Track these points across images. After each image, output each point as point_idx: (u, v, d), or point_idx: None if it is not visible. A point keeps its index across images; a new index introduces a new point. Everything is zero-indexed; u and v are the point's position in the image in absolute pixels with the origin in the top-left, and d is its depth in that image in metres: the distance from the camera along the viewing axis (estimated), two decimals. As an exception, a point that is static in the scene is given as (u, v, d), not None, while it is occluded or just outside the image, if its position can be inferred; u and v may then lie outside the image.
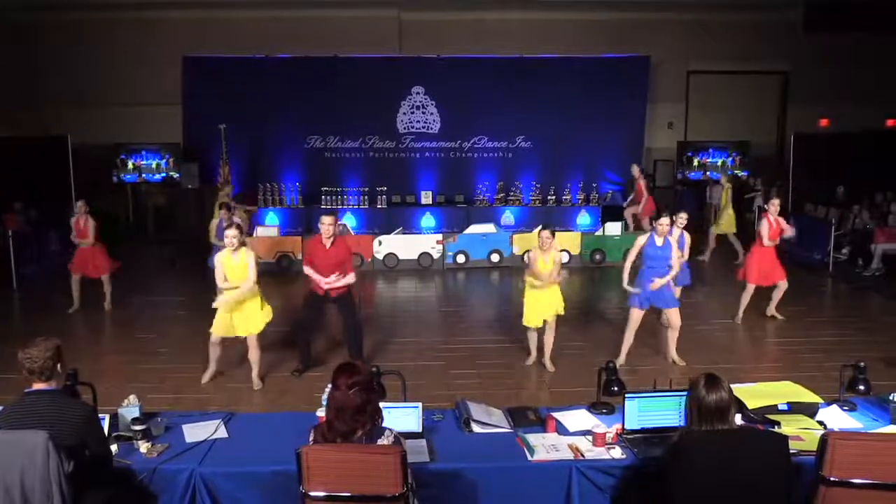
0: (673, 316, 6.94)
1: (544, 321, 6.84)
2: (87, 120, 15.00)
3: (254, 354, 6.54)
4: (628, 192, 15.00)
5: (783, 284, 8.44)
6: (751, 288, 8.40)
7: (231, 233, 6.35)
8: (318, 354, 7.17)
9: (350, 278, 6.68)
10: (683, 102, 16.71)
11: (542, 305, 6.78)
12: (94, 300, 9.63)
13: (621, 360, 6.87)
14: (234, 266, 6.34)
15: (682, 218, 7.84)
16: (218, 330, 6.43)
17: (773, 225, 8.40)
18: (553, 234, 6.70)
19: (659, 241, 6.68)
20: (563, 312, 6.91)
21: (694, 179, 16.16)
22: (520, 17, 15.60)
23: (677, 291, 7.44)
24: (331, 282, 6.58)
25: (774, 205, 8.53)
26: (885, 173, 13.93)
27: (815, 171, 14.70)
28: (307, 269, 6.74)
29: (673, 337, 7.09)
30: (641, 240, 6.85)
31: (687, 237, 7.93)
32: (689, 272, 8.30)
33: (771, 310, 8.62)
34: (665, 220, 6.70)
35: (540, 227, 6.84)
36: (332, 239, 6.61)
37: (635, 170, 13.20)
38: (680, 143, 16.39)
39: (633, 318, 6.94)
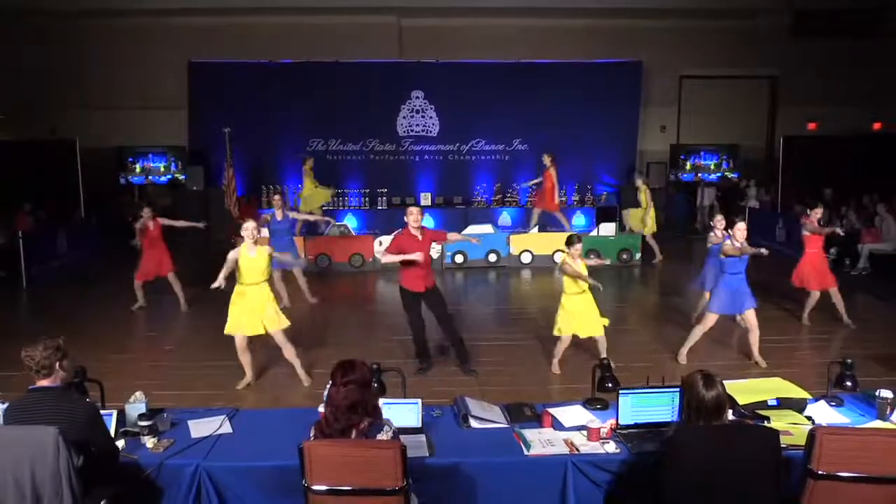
0: (750, 317, 6.74)
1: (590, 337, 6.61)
2: (95, 123, 15.02)
3: (289, 352, 6.36)
4: (623, 195, 15.02)
5: (815, 295, 8.14)
6: (815, 295, 8.14)
7: (250, 225, 6.13)
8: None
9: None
10: (676, 106, 16.74)
11: (580, 318, 6.49)
12: (103, 300, 9.64)
13: (682, 357, 6.92)
14: (251, 262, 6.12)
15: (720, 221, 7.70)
16: (248, 329, 6.18)
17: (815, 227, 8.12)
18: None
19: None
20: (606, 323, 6.62)
21: (686, 181, 16.19)
22: (517, 24, 15.61)
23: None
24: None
25: (817, 212, 8.17)
26: (872, 175, 13.95)
27: (804, 172, 14.74)
28: (388, 257, 6.53)
29: (754, 338, 6.84)
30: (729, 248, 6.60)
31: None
32: None
33: (805, 318, 8.32)
34: (742, 225, 6.55)
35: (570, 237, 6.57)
36: (420, 230, 6.52)
37: (546, 159, 12.43)
38: (672, 146, 16.40)
39: (708, 321, 6.79)
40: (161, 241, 9.10)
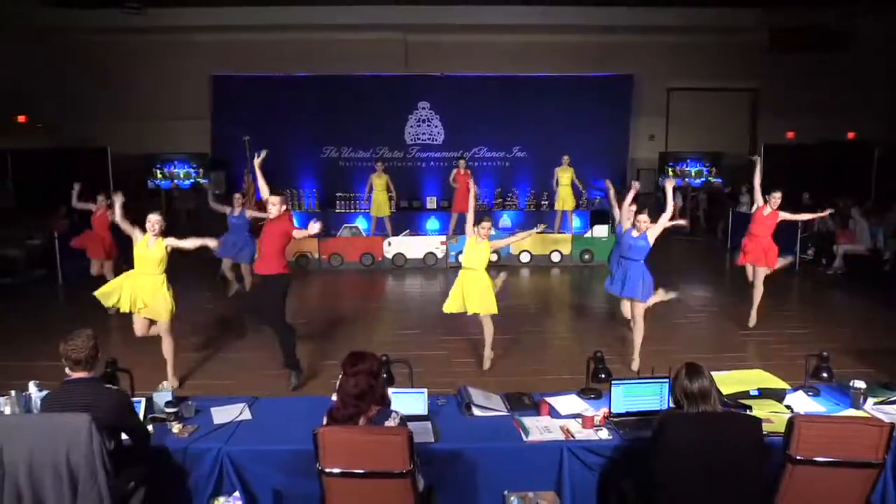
0: (633, 308, 6.48)
1: (476, 314, 6.38)
2: (124, 132, 15.06)
3: (167, 345, 5.92)
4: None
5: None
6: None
7: (154, 217, 5.70)
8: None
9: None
10: (664, 116, 16.71)
11: (468, 295, 6.28)
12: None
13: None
14: (146, 252, 5.69)
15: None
16: (120, 303, 5.73)
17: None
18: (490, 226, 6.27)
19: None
20: (495, 311, 6.34)
21: (676, 187, 16.16)
22: (516, 40, 15.60)
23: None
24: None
25: (775, 198, 8.00)
26: (847, 180, 13.91)
27: (783, 178, 14.64)
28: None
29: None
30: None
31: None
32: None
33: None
34: (643, 217, 6.37)
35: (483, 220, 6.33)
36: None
37: (461, 164, 12.66)
38: (661, 154, 16.38)
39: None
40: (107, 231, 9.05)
